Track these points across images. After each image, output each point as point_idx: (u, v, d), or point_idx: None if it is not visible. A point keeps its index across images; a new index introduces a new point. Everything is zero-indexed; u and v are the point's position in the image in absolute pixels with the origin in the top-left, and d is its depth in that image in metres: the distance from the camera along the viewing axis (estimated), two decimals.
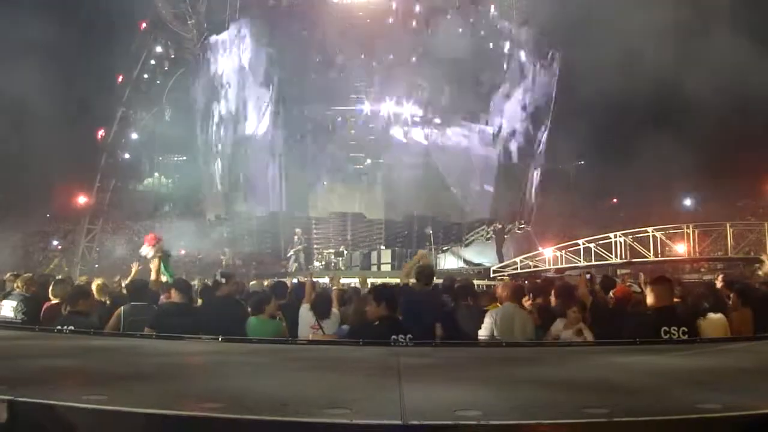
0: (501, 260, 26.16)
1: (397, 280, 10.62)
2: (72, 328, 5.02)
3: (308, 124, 28.92)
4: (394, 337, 4.63)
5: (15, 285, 7.34)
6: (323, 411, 2.13)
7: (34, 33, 26.97)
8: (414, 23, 28.56)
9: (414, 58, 27.97)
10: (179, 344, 4.50)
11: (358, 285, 11.33)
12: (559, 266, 22.54)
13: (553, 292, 6.95)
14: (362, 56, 28.26)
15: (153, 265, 10.07)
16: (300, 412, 2.14)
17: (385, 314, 5.17)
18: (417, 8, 28.69)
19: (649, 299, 5.21)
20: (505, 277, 22.22)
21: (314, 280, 9.35)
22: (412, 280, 7.35)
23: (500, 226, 29.86)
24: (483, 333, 5.68)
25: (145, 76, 35.03)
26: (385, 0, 28.81)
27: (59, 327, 5.01)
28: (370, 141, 28.93)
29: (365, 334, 4.81)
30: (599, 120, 25.63)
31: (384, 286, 6.18)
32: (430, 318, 6.09)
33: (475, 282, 14.77)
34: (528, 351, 4.65)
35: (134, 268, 9.60)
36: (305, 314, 6.63)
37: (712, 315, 6.11)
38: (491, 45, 30.09)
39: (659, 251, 21.09)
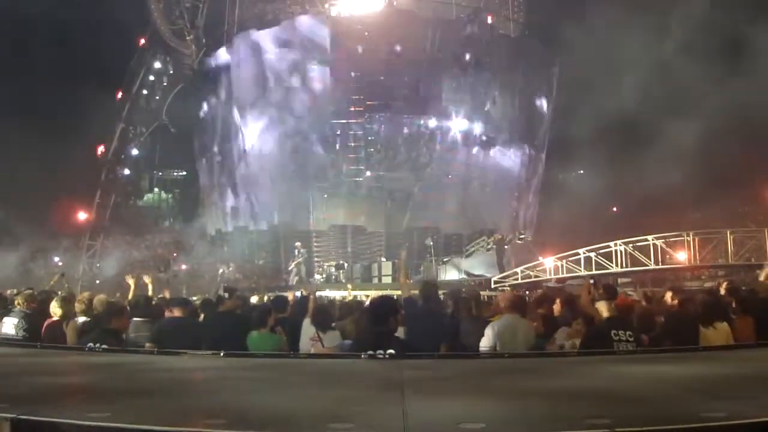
0: (502, 271, 26.07)
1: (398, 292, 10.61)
2: (105, 346, 4.90)
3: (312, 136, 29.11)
4: (370, 352, 4.32)
5: (16, 302, 7.31)
6: (326, 426, 2.13)
7: (34, 49, 27.18)
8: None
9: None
10: (182, 360, 4.49)
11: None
12: (560, 276, 22.49)
13: (558, 301, 6.94)
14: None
15: (148, 280, 10.17)
16: (303, 427, 2.14)
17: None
18: None
19: (602, 310, 5.46)
20: (506, 288, 22.17)
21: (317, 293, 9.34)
22: (414, 292, 7.34)
23: (500, 237, 29.87)
24: (484, 345, 5.65)
25: (145, 91, 35.17)
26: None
27: (91, 345, 4.91)
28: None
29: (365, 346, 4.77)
30: (599, 128, 25.67)
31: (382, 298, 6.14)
32: (433, 335, 6.07)
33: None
34: (530, 362, 4.64)
35: (131, 281, 9.61)
36: (307, 327, 6.61)
37: (717, 323, 6.07)
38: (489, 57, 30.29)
39: (660, 259, 21.06)
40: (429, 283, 7.52)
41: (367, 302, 10.76)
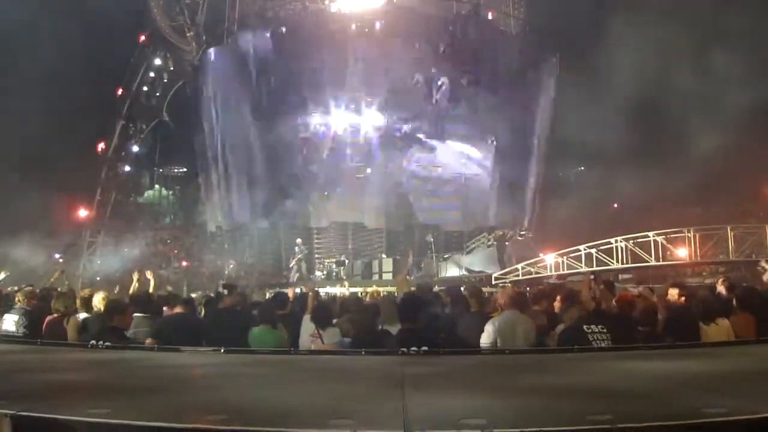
0: (502, 267, 26.06)
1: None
2: (108, 343, 4.89)
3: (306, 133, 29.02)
4: (403, 349, 4.52)
5: (16, 299, 7.32)
6: (326, 422, 2.13)
7: (34, 46, 27.14)
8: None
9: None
10: (182, 356, 4.49)
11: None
12: (561, 272, 22.49)
13: (559, 297, 6.93)
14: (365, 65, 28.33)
15: (151, 276, 10.22)
16: (303, 423, 2.14)
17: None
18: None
19: (571, 313, 5.77)
20: (507, 284, 22.16)
21: (317, 290, 9.36)
22: (412, 288, 7.34)
23: (501, 233, 29.83)
24: (484, 341, 5.65)
25: (145, 88, 35.11)
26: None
27: (93, 342, 4.91)
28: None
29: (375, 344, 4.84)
30: (599, 123, 25.62)
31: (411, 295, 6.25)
32: (432, 326, 6.08)
33: None
34: (531, 358, 4.65)
35: (135, 277, 9.68)
36: (307, 324, 6.63)
37: (718, 320, 6.07)
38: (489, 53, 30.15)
39: (660, 255, 21.04)
40: (424, 285, 7.56)
41: (367, 299, 10.79)
